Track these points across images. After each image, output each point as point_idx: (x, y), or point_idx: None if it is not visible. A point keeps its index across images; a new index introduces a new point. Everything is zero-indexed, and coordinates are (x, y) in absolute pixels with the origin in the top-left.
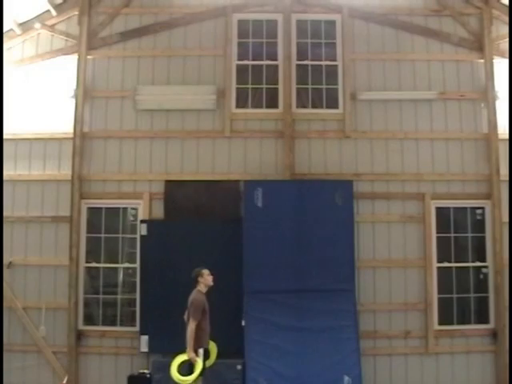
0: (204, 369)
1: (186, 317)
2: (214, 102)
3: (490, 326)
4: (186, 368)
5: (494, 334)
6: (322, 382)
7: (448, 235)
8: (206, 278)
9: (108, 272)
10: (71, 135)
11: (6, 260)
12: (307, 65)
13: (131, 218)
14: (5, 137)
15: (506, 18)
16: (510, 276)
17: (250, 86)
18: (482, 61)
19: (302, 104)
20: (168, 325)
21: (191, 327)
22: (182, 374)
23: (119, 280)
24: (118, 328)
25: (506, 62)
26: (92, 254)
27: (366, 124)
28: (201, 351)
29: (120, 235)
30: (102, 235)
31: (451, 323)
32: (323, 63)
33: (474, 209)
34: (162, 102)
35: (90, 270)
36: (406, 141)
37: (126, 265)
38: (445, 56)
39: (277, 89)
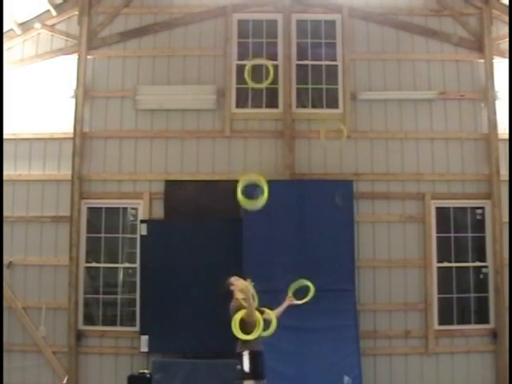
0: (260, 370)
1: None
2: (214, 102)
3: (490, 325)
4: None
5: (494, 334)
6: (322, 382)
7: (448, 235)
8: (235, 284)
9: (108, 272)
10: (71, 135)
11: (6, 260)
12: (307, 65)
13: (131, 218)
14: (5, 137)
15: (506, 18)
16: (510, 276)
17: (250, 86)
18: (482, 61)
19: (302, 104)
20: (168, 325)
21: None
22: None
23: (119, 280)
24: (118, 328)
25: (506, 62)
26: (92, 254)
27: (366, 124)
28: (246, 354)
29: (120, 235)
30: (102, 235)
31: (451, 323)
32: (323, 63)
33: (473, 209)
34: (162, 102)
35: (90, 270)
36: (405, 141)
37: (126, 265)
38: (445, 56)
39: (277, 89)
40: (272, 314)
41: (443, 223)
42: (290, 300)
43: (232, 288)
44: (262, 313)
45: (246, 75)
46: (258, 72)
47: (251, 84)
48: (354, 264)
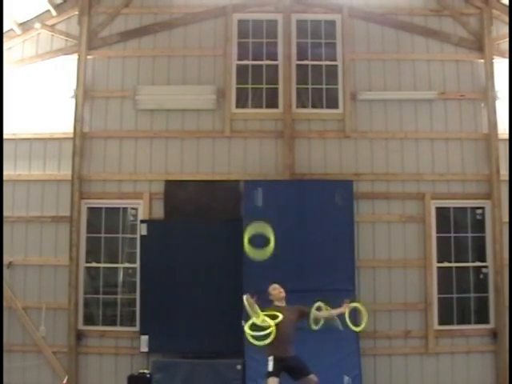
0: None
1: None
2: (214, 102)
3: (490, 325)
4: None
5: (494, 334)
6: (322, 382)
7: (448, 235)
8: (272, 293)
9: (108, 272)
10: (71, 135)
11: (6, 260)
12: (307, 65)
13: (131, 218)
14: (5, 137)
15: (506, 18)
16: (510, 276)
17: (250, 86)
18: (482, 61)
19: (302, 104)
20: (168, 325)
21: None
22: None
23: (119, 280)
24: (118, 328)
25: (506, 62)
26: (92, 253)
27: (366, 124)
28: (271, 359)
29: (120, 235)
30: (102, 235)
31: (451, 323)
32: (323, 63)
33: (473, 209)
34: (162, 102)
35: (90, 269)
36: (405, 141)
37: (126, 265)
38: (445, 56)
39: (277, 89)
40: (325, 314)
41: (443, 223)
42: (347, 304)
43: (270, 298)
44: (307, 314)
45: (246, 247)
46: (257, 72)
47: (252, 253)
48: (354, 264)
